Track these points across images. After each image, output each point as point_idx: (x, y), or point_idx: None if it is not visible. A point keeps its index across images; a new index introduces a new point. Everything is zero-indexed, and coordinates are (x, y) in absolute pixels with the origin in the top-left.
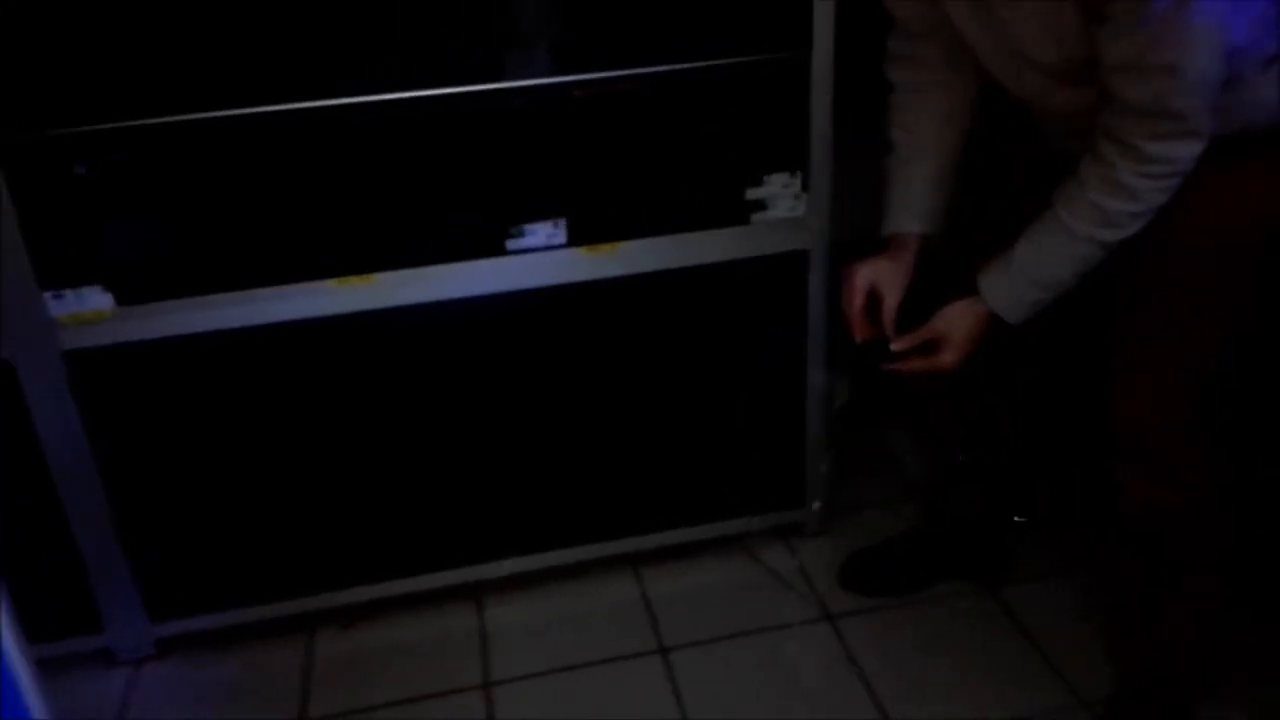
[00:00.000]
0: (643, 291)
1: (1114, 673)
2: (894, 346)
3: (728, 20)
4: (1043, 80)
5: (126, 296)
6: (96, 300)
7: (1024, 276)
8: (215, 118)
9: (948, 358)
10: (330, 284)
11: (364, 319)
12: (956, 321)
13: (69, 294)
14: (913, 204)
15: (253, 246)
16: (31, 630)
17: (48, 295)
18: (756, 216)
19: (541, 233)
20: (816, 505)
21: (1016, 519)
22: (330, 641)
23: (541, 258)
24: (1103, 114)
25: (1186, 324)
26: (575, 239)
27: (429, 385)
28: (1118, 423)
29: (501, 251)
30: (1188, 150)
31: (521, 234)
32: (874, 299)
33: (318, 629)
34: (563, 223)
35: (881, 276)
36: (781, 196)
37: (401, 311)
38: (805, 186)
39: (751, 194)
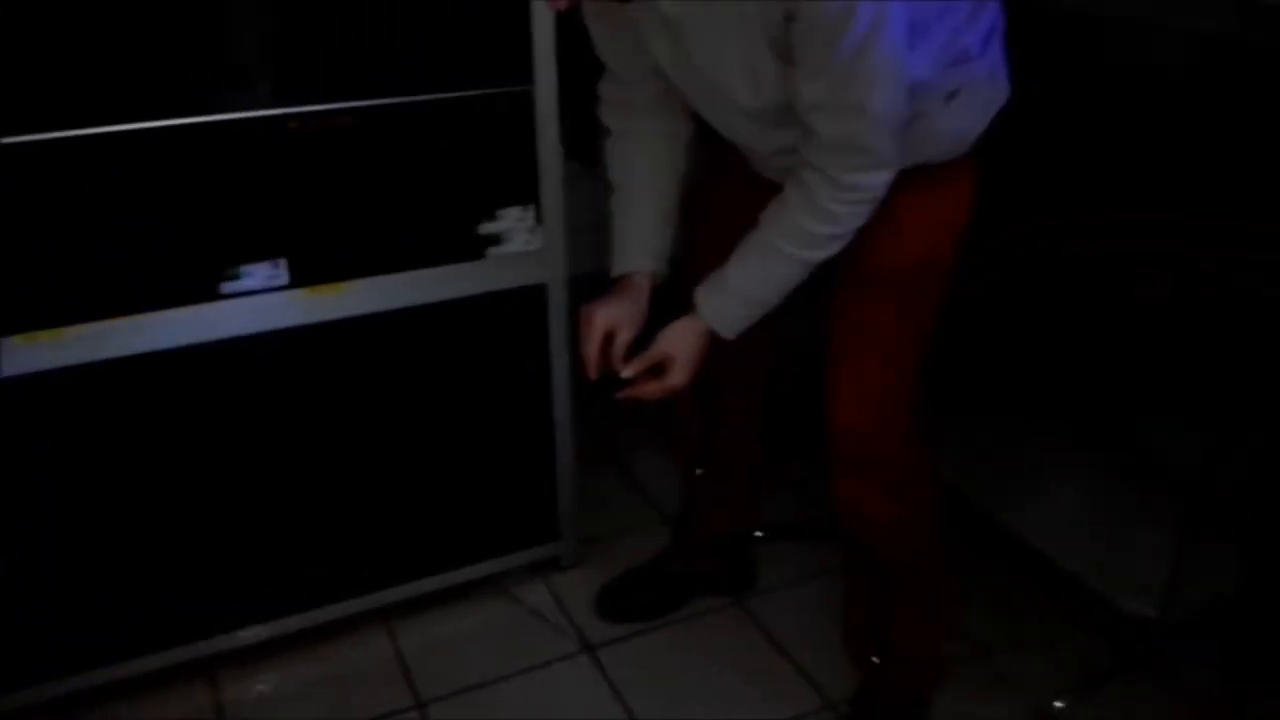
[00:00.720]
0: (375, 333)
1: (854, 672)
2: (624, 373)
3: (447, 54)
4: (748, 123)
5: None
6: None
7: (735, 293)
8: None
9: (676, 378)
10: (16, 341)
11: (56, 378)
12: (679, 340)
13: None
14: (636, 245)
15: None
16: None
17: None
18: (492, 251)
19: (260, 274)
20: (570, 538)
21: (758, 534)
22: None
23: (261, 301)
24: (802, 146)
25: (889, 335)
26: (298, 280)
27: (138, 446)
28: (832, 430)
29: (216, 296)
30: (879, 179)
31: (238, 276)
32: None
33: None
34: (283, 263)
35: (618, 317)
36: (516, 230)
37: (100, 367)
38: (539, 220)
39: (485, 228)
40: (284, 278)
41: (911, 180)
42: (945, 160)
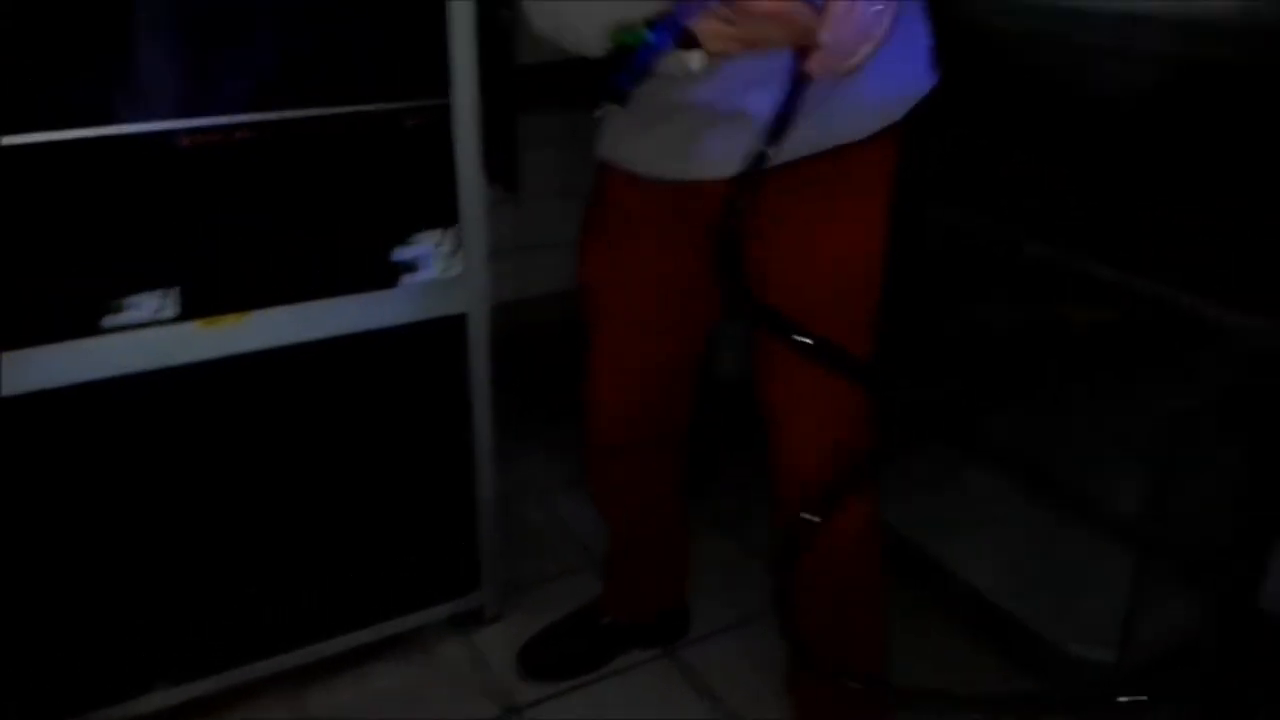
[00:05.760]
0: (277, 369)
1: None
2: None
3: (355, 64)
4: None
5: None
6: None
7: None
8: None
9: None
10: None
11: None
12: None
13: None
14: None
15: None
16: None
17: None
18: (406, 279)
19: (148, 306)
20: (493, 586)
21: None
22: None
23: (149, 335)
24: None
25: (830, 385)
26: (190, 311)
27: (12, 496)
28: (780, 482)
29: (96, 331)
30: None
31: (121, 308)
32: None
33: None
34: (174, 293)
35: None
36: (433, 256)
37: None
38: (459, 245)
39: (399, 254)
40: (172, 309)
41: (827, 197)
42: (862, 151)
